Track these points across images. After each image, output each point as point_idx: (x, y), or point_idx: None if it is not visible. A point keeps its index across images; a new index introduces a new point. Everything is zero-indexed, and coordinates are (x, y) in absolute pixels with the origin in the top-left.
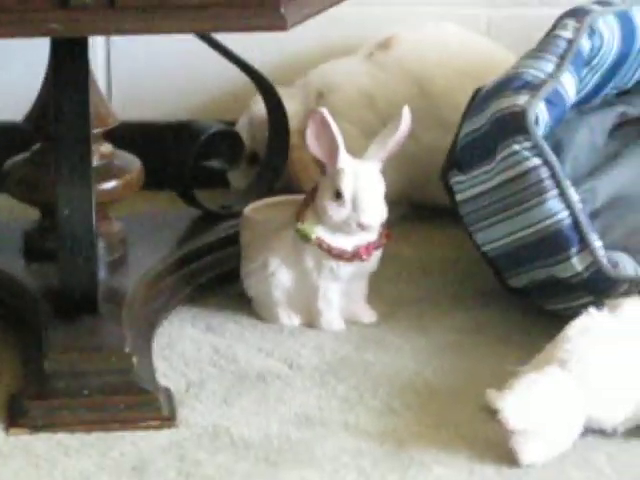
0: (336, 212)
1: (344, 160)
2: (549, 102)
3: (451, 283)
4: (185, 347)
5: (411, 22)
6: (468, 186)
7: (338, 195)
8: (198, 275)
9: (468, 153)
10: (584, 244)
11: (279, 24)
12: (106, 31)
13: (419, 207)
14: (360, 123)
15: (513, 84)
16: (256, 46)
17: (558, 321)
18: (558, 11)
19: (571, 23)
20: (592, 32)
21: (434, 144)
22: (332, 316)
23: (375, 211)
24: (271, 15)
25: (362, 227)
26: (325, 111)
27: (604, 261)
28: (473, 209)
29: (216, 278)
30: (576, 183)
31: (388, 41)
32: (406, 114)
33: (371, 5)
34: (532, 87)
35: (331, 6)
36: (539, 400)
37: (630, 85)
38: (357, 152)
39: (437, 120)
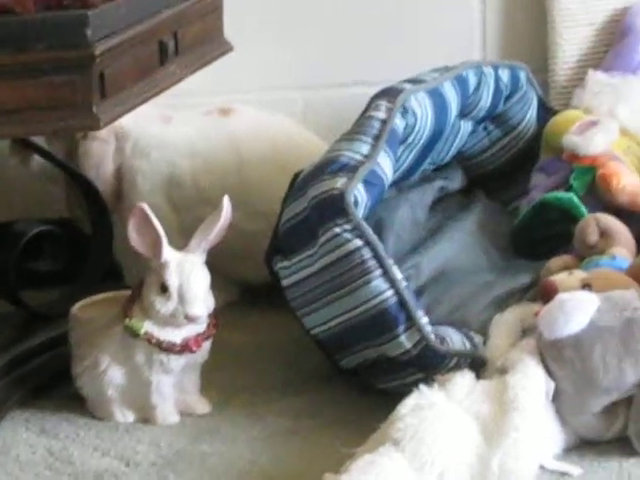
0: (163, 306)
1: (168, 253)
2: (367, 183)
3: (283, 367)
4: (20, 451)
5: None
6: (293, 271)
7: (164, 289)
8: (29, 377)
9: (290, 238)
10: (411, 322)
11: (92, 124)
12: None
13: (246, 291)
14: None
15: (330, 167)
16: None
17: (392, 399)
18: (373, 90)
19: (384, 103)
20: (405, 111)
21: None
22: (166, 410)
23: (202, 302)
24: (84, 115)
25: (190, 319)
26: (146, 206)
27: (432, 337)
28: (299, 294)
29: (48, 379)
30: (400, 260)
31: (229, 109)
32: (227, 204)
33: (196, 95)
34: (349, 169)
35: (142, 103)
36: None
37: (447, 159)
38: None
39: (252, 207)
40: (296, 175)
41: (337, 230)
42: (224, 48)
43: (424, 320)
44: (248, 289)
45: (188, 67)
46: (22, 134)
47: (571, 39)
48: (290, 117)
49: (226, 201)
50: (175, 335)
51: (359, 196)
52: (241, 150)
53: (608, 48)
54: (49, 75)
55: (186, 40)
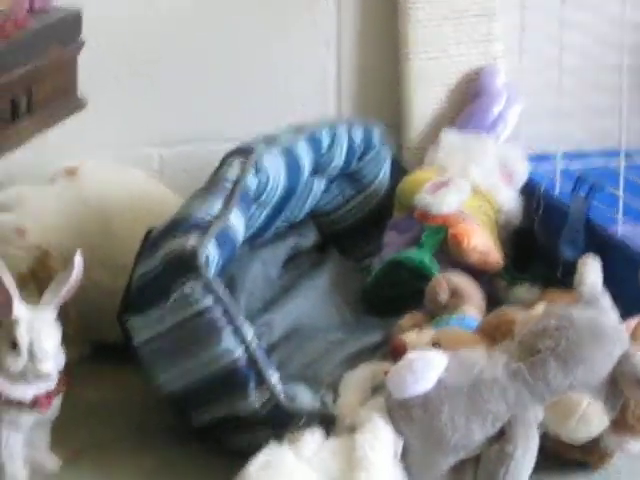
0: (13, 363)
1: (19, 310)
2: (219, 241)
3: (135, 425)
4: None
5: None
6: (144, 328)
7: (14, 345)
8: None
9: (142, 295)
10: (261, 380)
11: None
12: None
13: (99, 347)
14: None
15: (183, 225)
16: None
17: (245, 458)
18: (228, 145)
19: (237, 162)
20: (258, 170)
21: (112, 286)
22: (15, 468)
23: (52, 359)
24: None
25: (40, 376)
26: None
27: (281, 396)
28: (150, 351)
29: None
30: (252, 318)
31: (73, 169)
32: (78, 260)
33: (51, 152)
34: (201, 228)
35: None
36: None
37: (301, 217)
38: None
39: (115, 262)
40: (149, 232)
41: (188, 289)
42: (78, 104)
43: (274, 379)
44: (102, 344)
45: (41, 124)
46: None
47: (425, 98)
48: (146, 174)
49: (78, 258)
50: (25, 392)
51: (210, 255)
52: (99, 207)
53: (462, 108)
54: None
55: (39, 97)
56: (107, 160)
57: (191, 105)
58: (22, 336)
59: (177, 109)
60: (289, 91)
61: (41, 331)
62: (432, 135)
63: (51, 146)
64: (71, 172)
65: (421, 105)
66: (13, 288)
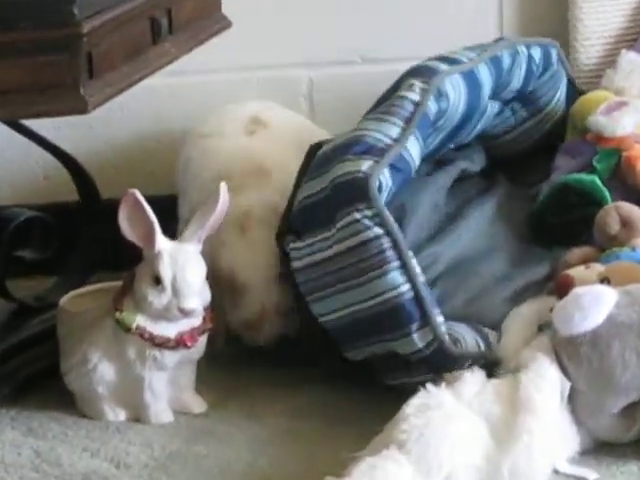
0: (156, 298)
1: (161, 243)
2: (394, 168)
3: (282, 365)
4: (4, 452)
5: (236, 88)
6: (305, 253)
7: (157, 280)
8: (15, 374)
9: (306, 218)
10: (425, 320)
11: (80, 106)
12: None
13: None
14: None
15: (356, 148)
16: None
17: (397, 399)
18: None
19: (417, 84)
20: (439, 94)
21: None
22: (159, 408)
23: (197, 295)
24: (71, 97)
25: (184, 313)
26: (137, 192)
27: (446, 338)
28: (310, 278)
29: (35, 375)
30: (418, 248)
31: (258, 119)
32: (224, 191)
33: (193, 74)
34: (376, 152)
35: (134, 84)
36: None
37: (469, 140)
38: None
39: None
40: (314, 148)
41: (357, 215)
42: (222, 24)
43: (439, 319)
44: None
45: (183, 45)
46: (6, 117)
47: (592, 14)
48: (295, 95)
49: (223, 188)
50: (169, 329)
51: (384, 181)
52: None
53: (633, 24)
54: (34, 55)
55: (181, 17)
56: (253, 81)
57: (344, 25)
58: (165, 270)
59: (329, 29)
60: (447, 12)
61: (185, 265)
62: (600, 53)
63: (194, 68)
64: (259, 122)
65: (588, 21)
66: (155, 220)
